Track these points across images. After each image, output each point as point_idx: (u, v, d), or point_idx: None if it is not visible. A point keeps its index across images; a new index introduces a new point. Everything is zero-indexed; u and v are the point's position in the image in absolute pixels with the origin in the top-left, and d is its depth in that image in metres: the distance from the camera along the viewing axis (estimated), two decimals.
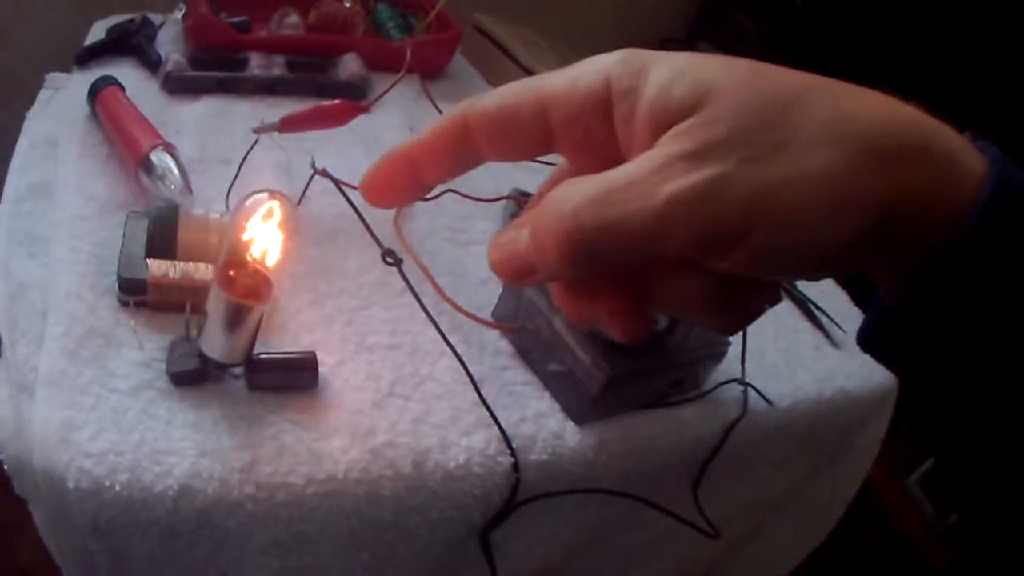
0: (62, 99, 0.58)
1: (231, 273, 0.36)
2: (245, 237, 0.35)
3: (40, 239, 0.47)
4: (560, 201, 0.18)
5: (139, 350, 0.40)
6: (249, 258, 0.36)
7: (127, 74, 0.59)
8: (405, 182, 0.22)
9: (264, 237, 0.35)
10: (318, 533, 0.38)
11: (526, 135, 0.21)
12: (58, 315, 0.41)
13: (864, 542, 0.92)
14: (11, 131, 0.56)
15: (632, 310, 0.21)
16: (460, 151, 0.21)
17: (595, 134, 0.20)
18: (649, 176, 0.17)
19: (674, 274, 0.20)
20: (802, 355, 0.58)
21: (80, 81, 0.58)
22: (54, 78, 0.60)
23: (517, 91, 0.20)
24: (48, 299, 0.42)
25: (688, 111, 0.18)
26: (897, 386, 0.61)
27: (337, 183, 0.43)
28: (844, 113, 0.17)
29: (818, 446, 0.60)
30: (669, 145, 0.18)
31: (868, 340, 0.21)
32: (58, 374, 0.38)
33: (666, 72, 0.18)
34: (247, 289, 0.36)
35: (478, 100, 0.21)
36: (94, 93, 0.54)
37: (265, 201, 0.35)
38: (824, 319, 0.63)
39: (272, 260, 0.35)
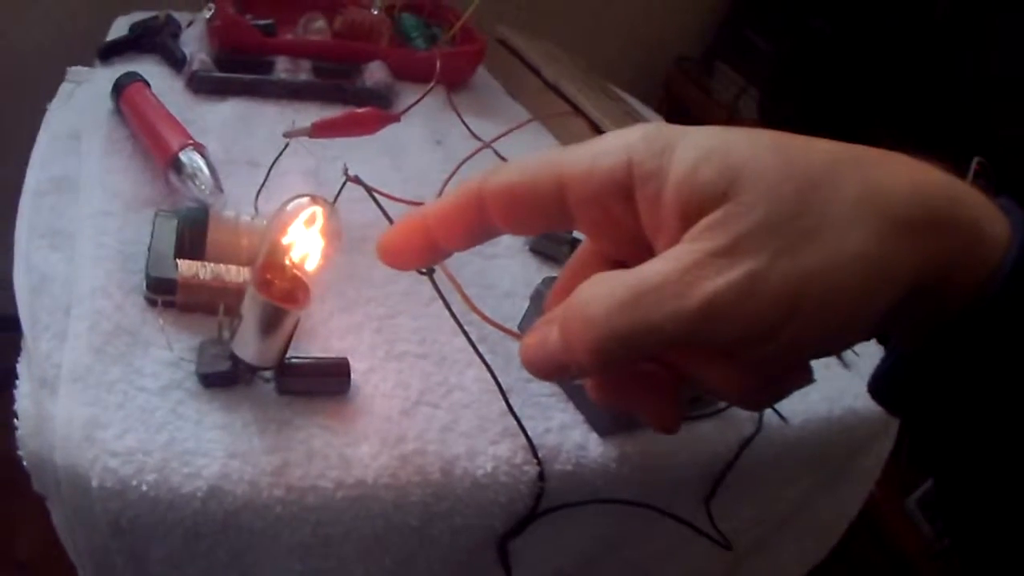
0: (84, 93, 0.58)
1: (268, 276, 0.36)
2: (285, 241, 0.35)
3: (63, 233, 0.46)
4: (588, 304, 0.18)
5: (167, 350, 0.40)
6: (288, 262, 0.36)
7: (150, 71, 0.59)
8: (421, 247, 0.22)
9: (304, 242, 0.35)
10: (343, 537, 0.38)
11: (543, 213, 0.20)
12: (83, 310, 0.41)
13: (862, 561, 0.93)
14: (25, 122, 0.55)
15: (665, 402, 0.20)
16: (475, 224, 0.21)
17: (615, 214, 0.19)
18: (683, 276, 0.17)
19: (708, 363, 0.19)
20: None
21: (103, 76, 0.58)
22: (76, 72, 0.60)
23: (534, 168, 0.20)
24: (72, 294, 0.42)
25: (718, 198, 0.17)
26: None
27: (369, 191, 0.44)
28: (873, 187, 0.17)
29: (824, 464, 0.61)
30: (701, 241, 0.17)
31: (879, 388, 0.21)
32: (83, 370, 0.38)
33: (692, 153, 0.18)
34: (284, 293, 0.37)
35: (494, 174, 0.20)
36: (119, 89, 0.54)
37: (308, 206, 0.35)
38: None
39: (311, 266, 0.36)
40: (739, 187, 0.17)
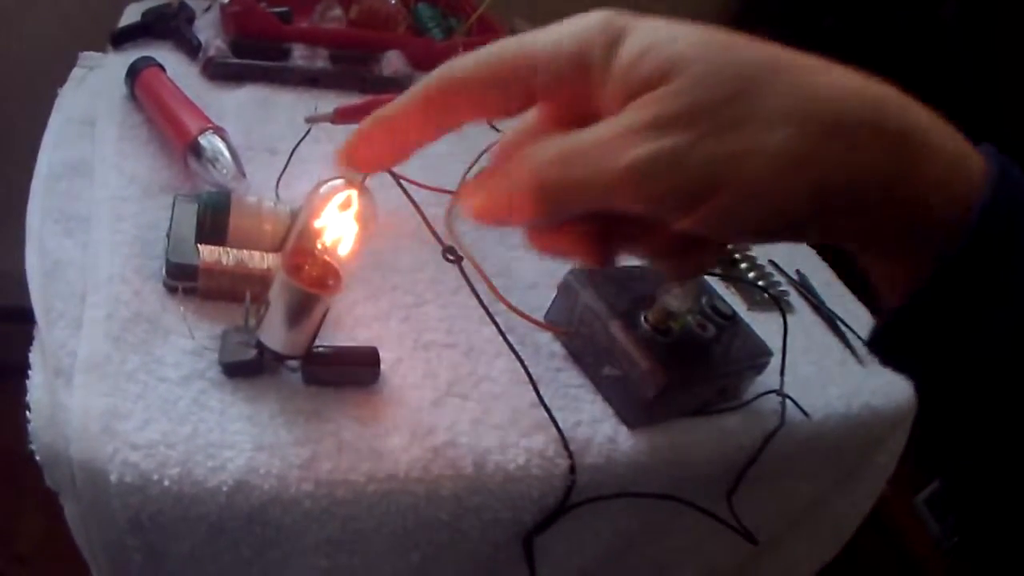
0: (98, 78, 0.57)
1: (299, 261, 0.35)
2: (318, 224, 0.34)
3: (77, 217, 0.45)
4: (529, 159, 0.20)
5: (189, 338, 0.39)
6: (319, 247, 0.35)
7: (164, 57, 0.58)
8: (388, 147, 0.23)
9: (337, 226, 0.34)
10: (373, 532, 0.37)
11: (509, 96, 0.21)
12: (100, 297, 0.39)
13: (870, 559, 0.94)
14: (35, 109, 0.54)
15: (594, 252, 0.23)
16: (444, 115, 0.22)
17: (575, 92, 0.21)
18: (613, 140, 0.18)
19: (634, 224, 0.21)
20: (830, 369, 0.59)
21: (116, 61, 0.57)
22: (89, 57, 0.59)
23: (504, 54, 0.21)
24: (87, 280, 0.41)
25: (654, 85, 0.18)
26: (916, 405, 0.62)
27: (396, 178, 0.43)
28: (806, 90, 0.18)
29: (841, 460, 0.61)
30: (634, 113, 0.18)
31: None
32: (100, 359, 0.37)
33: (637, 45, 0.19)
34: (314, 279, 0.36)
35: (458, 64, 0.22)
36: (134, 73, 0.53)
37: (342, 189, 0.34)
38: (850, 335, 0.64)
39: (344, 251, 0.35)
40: (677, 73, 0.18)
